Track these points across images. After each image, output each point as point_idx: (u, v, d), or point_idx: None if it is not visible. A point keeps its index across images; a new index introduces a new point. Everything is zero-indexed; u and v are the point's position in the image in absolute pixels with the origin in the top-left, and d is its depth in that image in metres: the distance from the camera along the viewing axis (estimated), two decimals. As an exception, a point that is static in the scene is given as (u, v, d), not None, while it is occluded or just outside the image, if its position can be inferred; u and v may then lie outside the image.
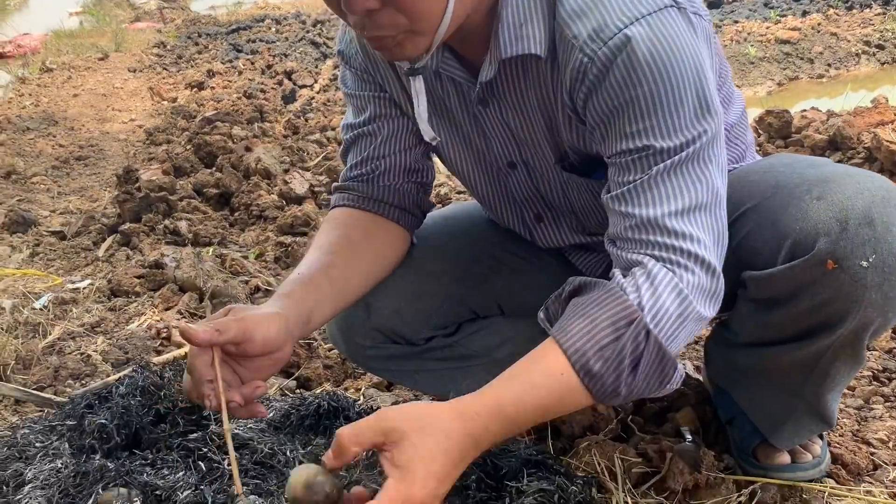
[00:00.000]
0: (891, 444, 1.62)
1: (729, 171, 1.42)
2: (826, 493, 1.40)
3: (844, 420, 1.69)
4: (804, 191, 1.22)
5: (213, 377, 1.14)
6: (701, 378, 1.84)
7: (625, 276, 1.14)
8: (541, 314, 1.23)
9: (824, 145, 3.54)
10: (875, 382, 1.92)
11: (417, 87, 1.27)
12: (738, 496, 1.37)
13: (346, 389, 2.02)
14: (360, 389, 2.00)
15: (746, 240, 1.31)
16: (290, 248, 3.10)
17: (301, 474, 1.03)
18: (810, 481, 1.44)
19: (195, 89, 6.74)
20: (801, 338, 1.28)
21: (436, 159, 1.59)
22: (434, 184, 1.59)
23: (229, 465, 1.26)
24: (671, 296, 1.11)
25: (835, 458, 1.54)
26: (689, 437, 1.54)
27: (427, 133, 1.34)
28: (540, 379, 1.10)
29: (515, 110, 1.33)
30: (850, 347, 1.27)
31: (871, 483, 1.48)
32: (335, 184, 1.54)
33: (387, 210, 1.48)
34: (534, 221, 1.55)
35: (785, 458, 1.47)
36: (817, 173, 1.27)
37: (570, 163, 1.38)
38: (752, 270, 1.29)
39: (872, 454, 1.57)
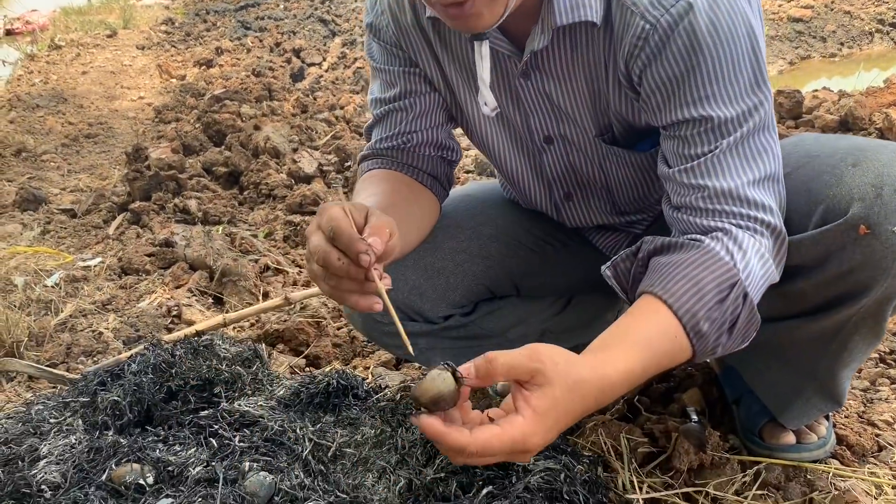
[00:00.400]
0: (896, 426, 1.63)
1: None
2: (830, 474, 1.41)
3: (850, 402, 1.70)
4: (839, 159, 1.22)
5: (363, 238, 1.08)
6: (707, 359, 1.84)
7: (713, 240, 1.16)
8: (607, 271, 1.23)
9: (835, 126, 3.51)
10: (882, 364, 1.92)
11: (483, 51, 1.26)
12: (743, 476, 1.38)
13: (354, 368, 2.04)
14: (369, 368, 2.01)
15: None
16: (298, 228, 3.11)
17: (432, 387, 0.98)
18: (815, 462, 1.45)
19: (204, 67, 6.73)
20: (824, 309, 1.28)
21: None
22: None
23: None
24: (757, 260, 1.15)
25: (840, 440, 1.55)
26: (694, 417, 1.55)
27: (489, 100, 1.33)
28: (663, 345, 1.10)
29: (560, 80, 1.32)
30: (871, 319, 1.27)
31: (875, 464, 1.49)
32: (363, 152, 1.53)
33: (422, 177, 1.48)
34: (563, 199, 1.55)
35: (790, 438, 1.48)
36: (850, 143, 1.27)
37: (613, 135, 1.38)
38: None
39: (877, 436, 1.58)
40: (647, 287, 1.14)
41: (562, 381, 0.99)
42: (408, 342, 1.11)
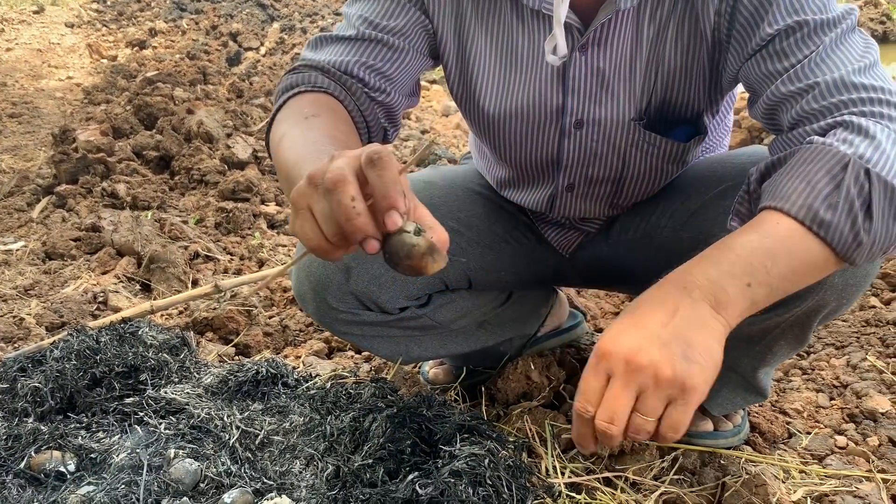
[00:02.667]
0: (805, 414, 1.71)
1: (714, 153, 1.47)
2: (743, 460, 1.47)
3: (764, 391, 1.78)
4: None
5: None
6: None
7: (828, 138, 1.06)
8: (733, 223, 1.14)
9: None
10: (795, 356, 2.01)
11: None
12: (662, 461, 1.43)
13: (285, 357, 2.03)
14: (300, 357, 2.01)
15: (722, 216, 1.36)
16: (231, 214, 3.07)
17: (402, 246, 0.87)
18: (729, 448, 1.52)
19: (136, 48, 6.56)
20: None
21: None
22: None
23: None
24: (890, 143, 1.03)
25: (753, 427, 1.62)
26: (617, 405, 1.59)
27: (560, 44, 1.26)
28: (780, 239, 0.99)
29: (621, 52, 1.30)
30: (798, 328, 1.32)
31: (785, 450, 1.57)
32: (319, 59, 1.34)
33: (363, 135, 1.34)
34: (562, 191, 1.51)
35: (707, 425, 1.55)
36: None
37: (649, 120, 1.37)
38: None
39: (788, 423, 1.66)
40: (759, 207, 1.06)
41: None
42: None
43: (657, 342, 0.94)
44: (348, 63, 1.33)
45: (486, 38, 1.37)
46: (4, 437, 1.30)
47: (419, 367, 1.89)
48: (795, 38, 1.14)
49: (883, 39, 7.55)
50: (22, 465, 1.25)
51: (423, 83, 5.74)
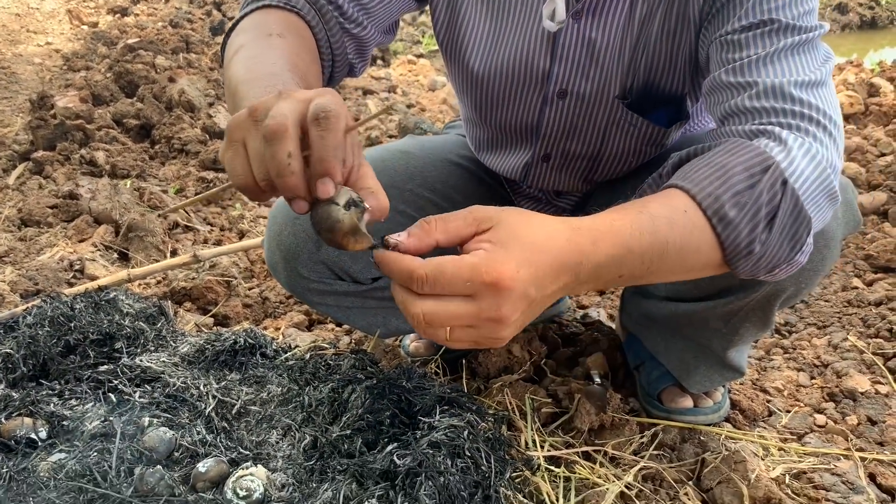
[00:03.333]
0: (786, 393, 1.71)
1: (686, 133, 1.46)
2: (722, 436, 1.47)
3: (745, 369, 1.78)
4: None
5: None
6: (613, 326, 1.89)
7: (751, 140, 1.04)
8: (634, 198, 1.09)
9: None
10: (776, 335, 2.02)
11: None
12: (641, 437, 1.42)
13: (265, 328, 2.01)
14: (280, 329, 1.99)
15: None
16: (211, 184, 3.03)
17: (327, 217, 0.81)
18: (709, 425, 1.52)
19: (118, 15, 6.43)
20: (716, 296, 1.33)
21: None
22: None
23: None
24: (805, 159, 1.01)
25: (734, 404, 1.62)
26: (597, 380, 1.59)
27: (559, 8, 1.24)
28: (661, 209, 0.94)
29: (613, 23, 1.27)
30: (760, 311, 1.33)
31: (764, 428, 1.57)
32: None
33: (327, 58, 1.26)
34: (538, 160, 1.49)
35: (688, 402, 1.55)
36: None
37: (633, 100, 1.35)
38: None
39: (768, 401, 1.66)
40: (669, 184, 1.01)
41: (515, 216, 0.85)
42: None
43: (526, 304, 0.83)
44: None
45: None
46: (-26, 403, 1.27)
47: (400, 340, 1.88)
48: (757, 33, 1.12)
49: (871, 25, 7.56)
50: (-8, 431, 1.22)
51: (410, 57, 5.69)
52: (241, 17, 1.21)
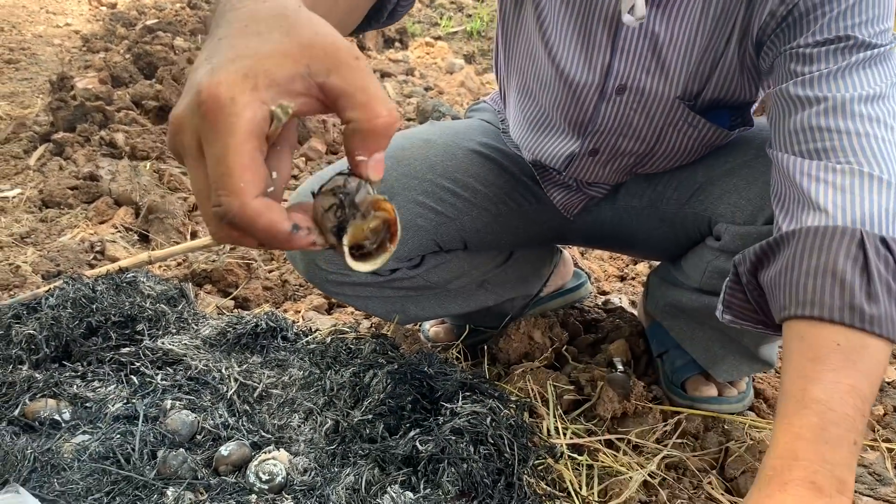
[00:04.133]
0: (810, 381, 1.69)
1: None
2: (746, 425, 1.46)
3: (769, 357, 1.76)
4: None
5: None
6: (636, 313, 1.88)
7: (808, 211, 1.02)
8: (725, 316, 1.09)
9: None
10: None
11: None
12: (665, 425, 1.41)
13: (285, 311, 2.01)
14: (300, 312, 1.98)
15: (731, 194, 1.33)
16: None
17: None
18: (733, 414, 1.50)
19: (136, -4, 6.42)
20: None
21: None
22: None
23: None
24: (872, 193, 0.99)
25: (757, 393, 1.60)
26: (620, 367, 1.58)
27: (639, 7, 1.18)
28: (835, 360, 0.91)
29: (678, 24, 1.23)
30: None
31: (788, 417, 1.55)
32: None
33: None
34: (585, 153, 1.44)
35: (712, 391, 1.53)
36: None
37: (695, 101, 1.31)
38: (730, 223, 1.31)
39: (792, 390, 1.64)
40: (781, 313, 0.99)
41: None
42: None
43: None
44: None
45: None
46: (-2, 384, 1.28)
47: (420, 326, 1.87)
48: (831, 48, 1.10)
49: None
50: (16, 412, 1.23)
51: (427, 39, 5.66)
52: None
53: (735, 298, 1.09)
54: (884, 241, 0.96)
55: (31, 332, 1.41)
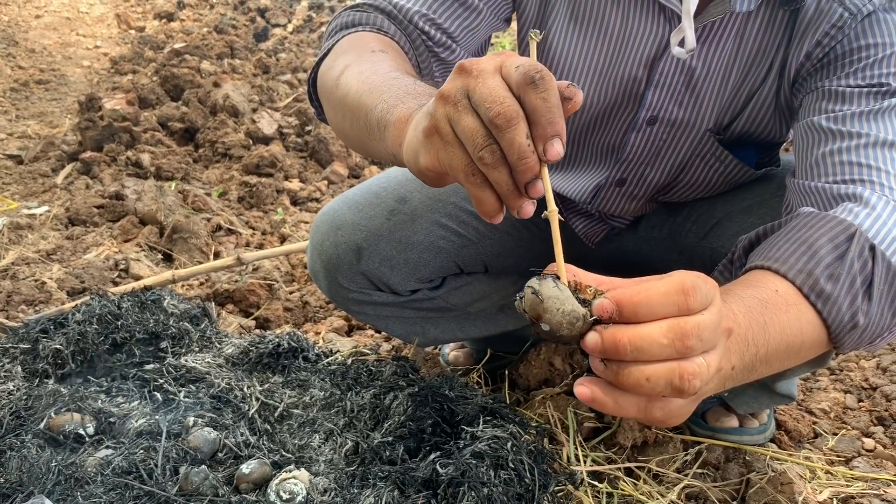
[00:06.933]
0: (832, 415, 1.67)
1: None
2: (768, 457, 1.44)
3: (790, 389, 1.74)
4: None
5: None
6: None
7: (832, 208, 1.03)
8: None
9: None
10: (822, 355, 1.97)
11: None
12: (685, 455, 1.40)
13: (305, 332, 2.02)
14: (320, 333, 2.00)
15: (746, 233, 1.34)
16: (254, 189, 3.06)
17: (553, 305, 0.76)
18: (754, 445, 1.49)
19: (164, 20, 6.55)
20: None
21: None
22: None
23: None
24: (892, 218, 0.99)
25: (779, 425, 1.59)
26: (641, 396, 1.56)
27: (689, 37, 1.17)
28: (747, 290, 0.89)
29: (715, 59, 1.24)
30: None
31: (810, 450, 1.53)
32: (380, 3, 1.24)
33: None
34: (612, 183, 1.44)
35: (733, 421, 1.52)
36: None
37: (726, 136, 1.32)
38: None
39: (814, 423, 1.63)
40: (747, 265, 0.99)
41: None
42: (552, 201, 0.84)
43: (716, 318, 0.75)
44: (415, 13, 1.23)
45: (567, 9, 1.29)
46: (25, 397, 1.30)
47: (439, 349, 1.87)
48: (864, 90, 1.11)
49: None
50: (41, 425, 1.24)
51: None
52: (333, 44, 1.20)
53: (722, 277, 1.08)
54: (873, 247, 0.96)
55: (58, 346, 1.43)
